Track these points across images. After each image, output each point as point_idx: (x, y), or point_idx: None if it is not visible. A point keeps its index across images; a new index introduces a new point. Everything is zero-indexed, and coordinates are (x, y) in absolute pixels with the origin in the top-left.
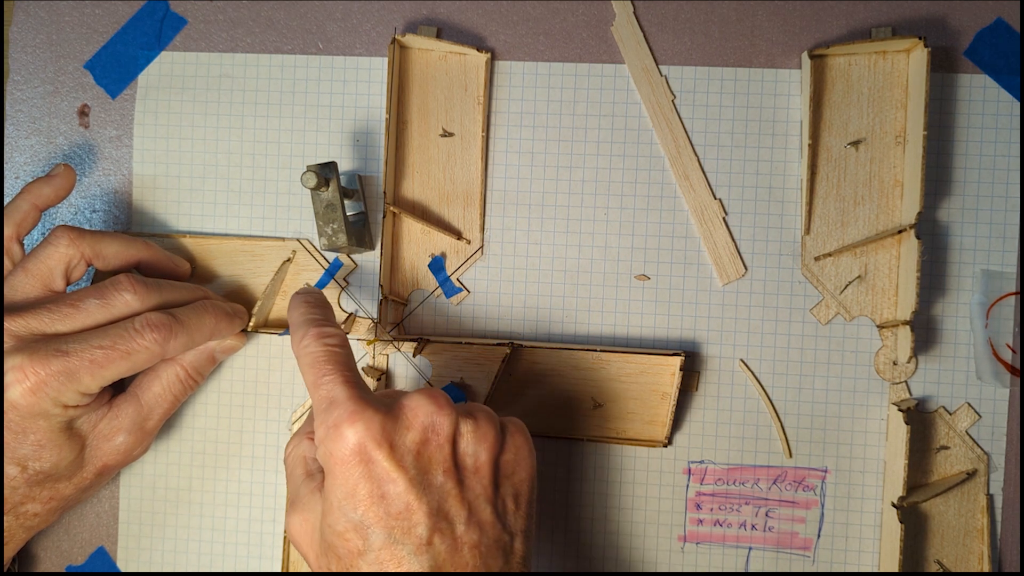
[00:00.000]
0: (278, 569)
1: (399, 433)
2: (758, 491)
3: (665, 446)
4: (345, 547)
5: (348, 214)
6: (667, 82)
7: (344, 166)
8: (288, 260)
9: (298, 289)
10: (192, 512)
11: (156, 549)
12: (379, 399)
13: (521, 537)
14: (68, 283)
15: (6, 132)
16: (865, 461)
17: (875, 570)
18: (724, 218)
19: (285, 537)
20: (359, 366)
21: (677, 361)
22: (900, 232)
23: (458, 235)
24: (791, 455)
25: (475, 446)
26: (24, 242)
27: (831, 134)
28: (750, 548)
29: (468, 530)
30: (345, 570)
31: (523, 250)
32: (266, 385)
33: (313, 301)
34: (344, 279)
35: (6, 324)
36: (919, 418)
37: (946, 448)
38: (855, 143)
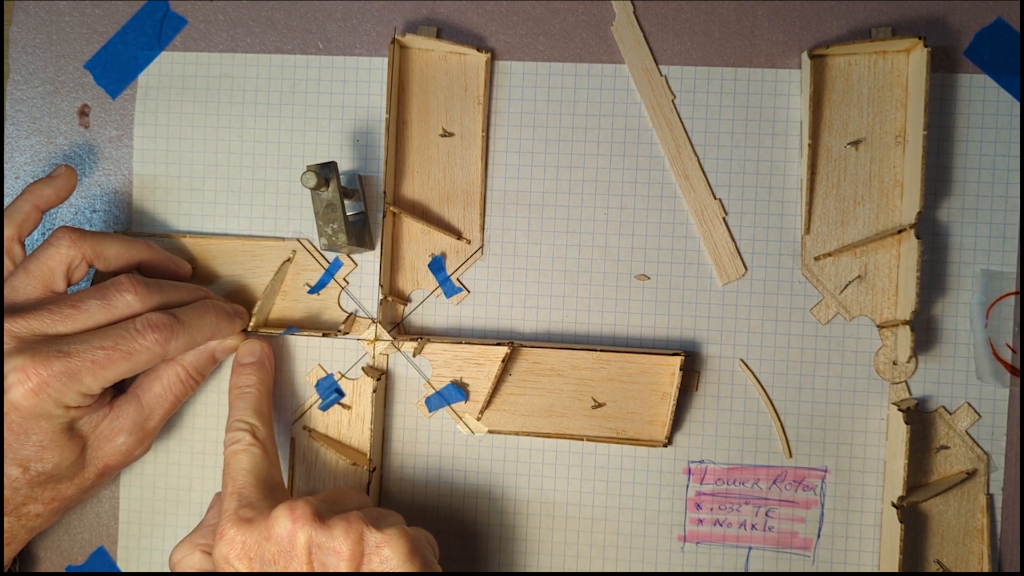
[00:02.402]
0: None
1: (260, 547)
2: (758, 491)
3: (665, 446)
4: None
5: (348, 214)
6: (667, 82)
7: (344, 166)
8: (288, 260)
9: (239, 350)
10: (192, 512)
11: (156, 549)
12: (256, 513)
13: None
14: (69, 284)
15: (6, 132)
16: (865, 461)
17: (875, 570)
18: (724, 218)
19: None
20: (359, 366)
21: (677, 361)
22: (900, 232)
23: (458, 235)
24: (791, 455)
25: (329, 557)
26: (25, 243)
27: (831, 134)
28: (750, 548)
29: None
30: None
31: (523, 250)
32: None
33: (240, 386)
34: (344, 279)
35: (7, 325)
36: (919, 418)
37: (946, 448)
38: (855, 143)
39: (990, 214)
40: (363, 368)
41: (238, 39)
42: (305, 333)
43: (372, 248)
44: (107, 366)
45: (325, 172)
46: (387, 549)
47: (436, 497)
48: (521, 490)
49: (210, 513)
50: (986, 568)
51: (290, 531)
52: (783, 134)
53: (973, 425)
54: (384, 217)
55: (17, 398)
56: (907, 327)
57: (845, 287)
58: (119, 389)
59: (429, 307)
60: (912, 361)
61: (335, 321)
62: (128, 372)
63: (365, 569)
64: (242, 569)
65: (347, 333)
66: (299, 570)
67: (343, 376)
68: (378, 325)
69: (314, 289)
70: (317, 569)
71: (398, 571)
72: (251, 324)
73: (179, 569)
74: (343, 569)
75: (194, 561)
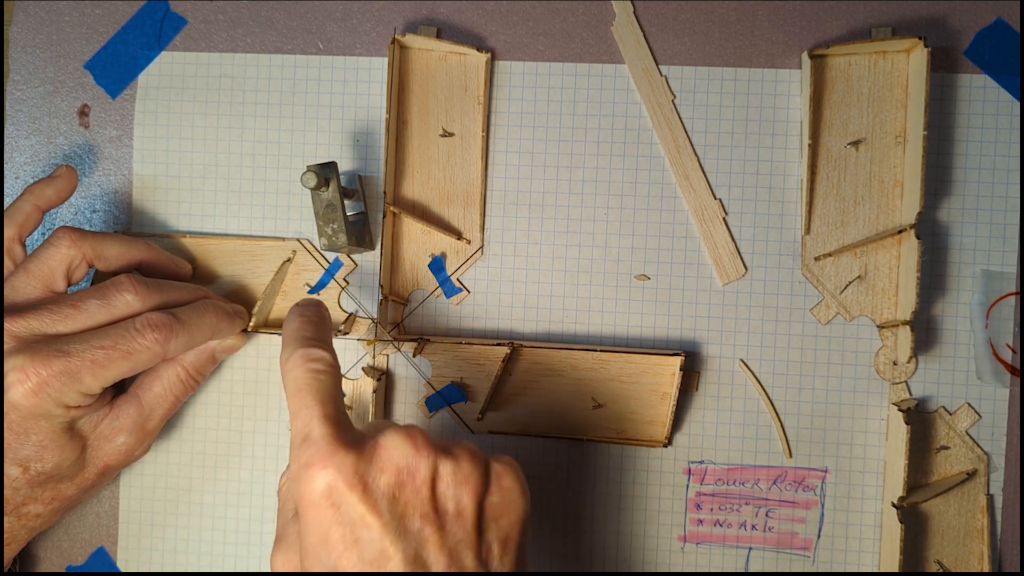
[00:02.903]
0: None
1: (372, 475)
2: (758, 491)
3: (665, 446)
4: None
5: (348, 214)
6: (667, 82)
7: (344, 166)
8: (288, 260)
9: (299, 300)
10: (192, 512)
11: (156, 549)
12: (356, 437)
13: None
14: (69, 284)
15: (6, 132)
16: (865, 461)
17: (875, 570)
18: (724, 218)
19: None
20: (359, 366)
21: (677, 361)
22: (900, 232)
23: (458, 235)
24: (791, 455)
25: (456, 489)
26: (26, 243)
27: (831, 134)
28: (750, 548)
29: None
30: None
31: (523, 250)
32: (266, 385)
33: (309, 316)
34: (344, 279)
35: (7, 325)
36: (919, 418)
37: (946, 448)
38: (855, 143)
39: (990, 214)
40: (363, 368)
41: (238, 39)
42: None
43: (372, 248)
44: (107, 365)
45: (325, 172)
46: (508, 479)
47: None
48: None
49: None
50: (986, 568)
51: (413, 460)
52: (783, 134)
53: (973, 425)
54: (384, 217)
55: (17, 398)
56: (907, 327)
57: (845, 287)
58: (119, 389)
59: (429, 307)
60: (912, 361)
61: (335, 321)
62: (128, 372)
63: (489, 499)
64: (353, 498)
65: (347, 333)
66: (419, 503)
67: (343, 376)
68: (378, 325)
69: (314, 289)
70: (440, 501)
71: (518, 502)
72: (251, 324)
73: (284, 493)
74: (467, 502)
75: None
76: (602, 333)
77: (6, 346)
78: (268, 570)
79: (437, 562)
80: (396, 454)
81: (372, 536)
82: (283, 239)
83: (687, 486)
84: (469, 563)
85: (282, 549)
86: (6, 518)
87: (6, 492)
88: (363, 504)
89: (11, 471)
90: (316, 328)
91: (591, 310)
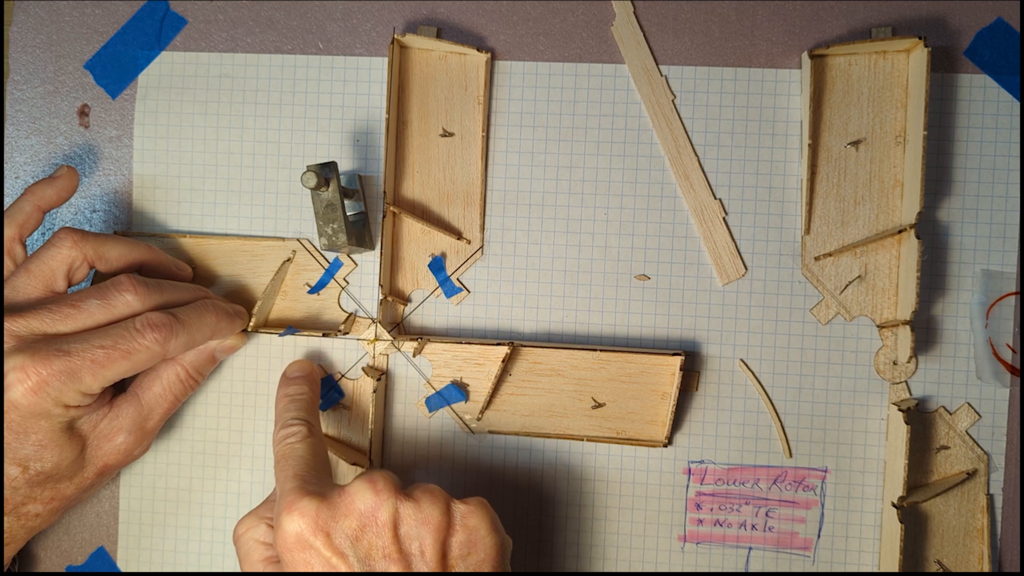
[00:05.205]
0: None
1: (336, 520)
2: (758, 491)
3: (665, 446)
4: None
5: (348, 214)
6: (667, 82)
7: (344, 166)
8: (288, 260)
9: (289, 366)
10: (192, 512)
11: (156, 549)
12: (325, 489)
13: None
14: (70, 285)
15: (6, 132)
16: (865, 461)
17: (875, 570)
18: (724, 218)
19: None
20: (359, 366)
21: (677, 361)
22: (900, 232)
23: (458, 235)
24: (791, 455)
25: (418, 529)
26: (26, 243)
27: (831, 134)
28: (750, 548)
29: None
30: None
31: (523, 250)
32: (266, 385)
33: (292, 396)
34: (344, 279)
35: (7, 324)
36: (919, 418)
37: (946, 448)
38: (855, 143)
39: (990, 214)
40: (363, 368)
41: (238, 39)
42: (305, 333)
43: (372, 248)
44: (107, 365)
45: (325, 172)
46: (473, 519)
47: None
48: (521, 490)
49: (274, 492)
50: (986, 568)
51: (374, 504)
52: (783, 134)
53: (973, 425)
54: (384, 217)
55: (17, 397)
56: (907, 327)
57: (845, 287)
58: (119, 388)
59: (429, 307)
60: (912, 361)
61: (335, 321)
62: (128, 371)
63: (453, 539)
64: (318, 544)
65: (347, 333)
66: (383, 545)
67: (343, 376)
68: (378, 325)
69: (314, 289)
70: (404, 543)
71: (486, 540)
72: (251, 324)
73: (243, 542)
74: (430, 542)
75: (259, 533)
76: (602, 333)
77: (6, 345)
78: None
79: None
80: (358, 499)
81: None
82: (283, 239)
83: (687, 486)
84: None
85: None
86: (5, 518)
87: (5, 492)
88: (328, 549)
89: (10, 471)
90: (298, 405)
91: (591, 310)
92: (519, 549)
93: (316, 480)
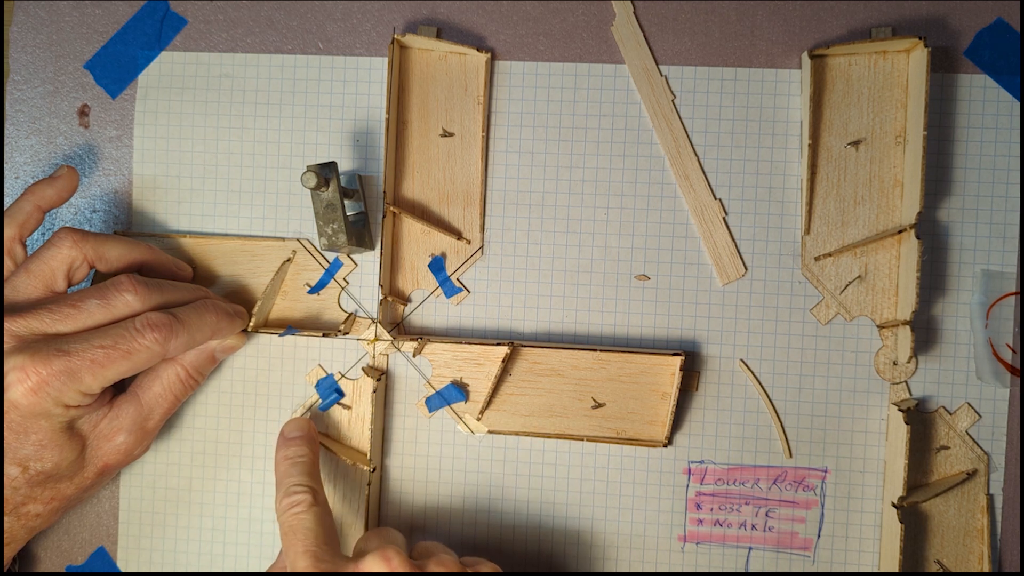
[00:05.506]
0: None
1: None
2: (758, 491)
3: (665, 446)
4: None
5: (348, 214)
6: (667, 82)
7: (344, 166)
8: (288, 260)
9: (285, 426)
10: (192, 512)
11: (156, 549)
12: (338, 564)
13: None
14: (70, 285)
15: (6, 132)
16: (865, 461)
17: (875, 570)
18: (724, 218)
19: None
20: (359, 366)
21: (677, 361)
22: (900, 232)
23: (458, 235)
24: (791, 455)
25: None
26: (26, 243)
27: (831, 134)
28: (750, 548)
29: None
30: None
31: (523, 250)
32: (266, 385)
33: (293, 458)
34: (344, 279)
35: (7, 324)
36: (919, 418)
37: (946, 448)
38: (855, 143)
39: (990, 214)
40: (363, 368)
41: (238, 39)
42: (305, 333)
43: (372, 248)
44: (107, 365)
45: (325, 172)
46: None
47: (436, 497)
48: (521, 490)
49: (280, 560)
50: (986, 568)
51: None
52: (783, 134)
53: (973, 425)
54: (384, 217)
55: (17, 397)
56: (907, 327)
57: (845, 287)
58: (119, 388)
59: (429, 307)
60: (912, 361)
61: (335, 321)
62: (128, 371)
63: None
64: None
65: (347, 333)
66: None
67: (343, 376)
68: (378, 325)
69: (314, 289)
70: None
71: None
72: (251, 324)
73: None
74: None
75: None
76: (602, 333)
77: (6, 345)
78: (268, 570)
79: None
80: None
81: None
82: (283, 239)
83: (687, 486)
84: None
85: None
86: (5, 518)
87: (5, 492)
88: None
89: (11, 470)
90: (300, 468)
91: (591, 310)
92: (519, 550)
93: (328, 554)
